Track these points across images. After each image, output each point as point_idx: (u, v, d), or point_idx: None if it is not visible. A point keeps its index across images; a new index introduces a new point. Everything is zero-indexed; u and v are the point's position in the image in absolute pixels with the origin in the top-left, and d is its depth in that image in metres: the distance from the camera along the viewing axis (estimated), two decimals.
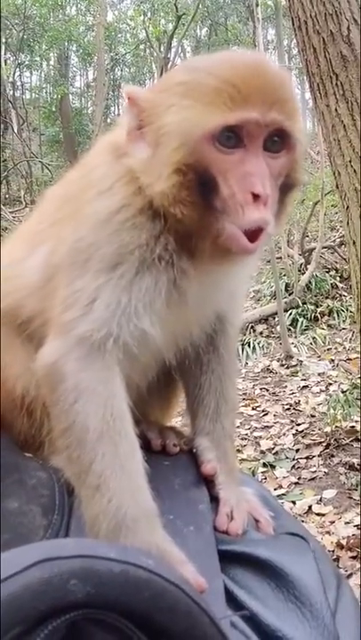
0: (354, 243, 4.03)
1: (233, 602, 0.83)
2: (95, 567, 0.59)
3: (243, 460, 5.20)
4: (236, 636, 0.67)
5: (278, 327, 8.05)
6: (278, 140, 0.93)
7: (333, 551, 3.77)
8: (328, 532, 4.05)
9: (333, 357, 7.41)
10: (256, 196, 0.89)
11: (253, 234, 0.91)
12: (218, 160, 0.89)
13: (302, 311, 8.60)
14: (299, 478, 4.88)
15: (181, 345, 1.11)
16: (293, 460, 5.20)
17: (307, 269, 9.27)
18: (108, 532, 0.85)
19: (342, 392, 5.96)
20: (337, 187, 4.18)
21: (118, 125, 1.04)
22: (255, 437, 5.67)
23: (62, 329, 0.96)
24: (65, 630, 0.59)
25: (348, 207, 3.99)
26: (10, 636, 0.56)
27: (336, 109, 3.92)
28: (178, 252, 0.96)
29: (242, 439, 5.64)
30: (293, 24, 4.12)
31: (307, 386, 6.75)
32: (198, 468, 1.08)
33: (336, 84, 3.89)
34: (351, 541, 3.83)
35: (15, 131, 16.26)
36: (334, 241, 10.10)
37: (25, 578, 0.56)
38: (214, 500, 1.02)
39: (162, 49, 15.51)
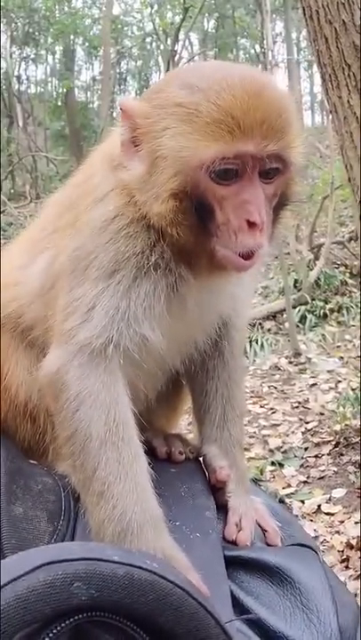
0: None
1: (239, 607, 0.85)
2: (99, 570, 0.60)
3: (251, 458, 5.17)
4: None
5: (287, 324, 8.02)
6: (275, 168, 0.93)
7: (343, 551, 3.75)
8: (338, 532, 4.03)
9: (343, 355, 7.39)
10: (252, 224, 0.90)
11: (248, 254, 0.93)
12: (214, 189, 0.90)
13: (311, 308, 8.58)
14: (308, 477, 4.85)
15: (186, 351, 1.11)
16: (302, 458, 5.17)
17: (315, 265, 9.24)
18: (113, 538, 0.86)
19: (352, 390, 5.92)
20: (349, 180, 4.12)
21: (113, 134, 1.04)
22: (263, 436, 5.65)
23: (63, 337, 0.97)
24: (69, 633, 0.60)
25: (360, 201, 3.92)
26: (16, 639, 0.57)
27: (348, 101, 3.84)
28: (175, 260, 0.97)
29: (250, 437, 5.61)
30: (305, 14, 4.03)
31: (316, 383, 6.72)
32: (205, 475, 1.09)
33: (349, 74, 3.81)
34: None
35: (20, 125, 16.26)
36: (344, 236, 10.09)
37: (30, 580, 0.57)
38: (221, 508, 1.03)
39: (169, 42, 15.41)
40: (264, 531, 1.02)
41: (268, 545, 1.00)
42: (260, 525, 1.02)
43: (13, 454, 1.00)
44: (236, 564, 0.91)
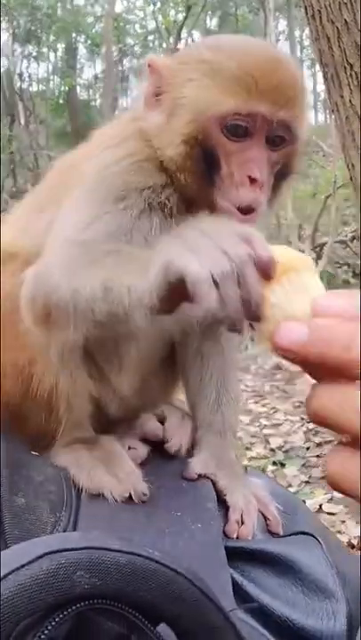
0: None
1: (242, 596, 0.85)
2: (101, 558, 0.60)
3: (252, 457, 5.16)
4: (243, 629, 0.67)
5: None
6: (282, 135, 0.99)
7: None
8: (339, 532, 4.01)
9: None
10: (253, 180, 0.96)
11: (247, 210, 0.96)
12: (223, 142, 0.96)
13: None
14: (309, 477, 4.83)
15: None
16: (304, 458, 5.15)
17: (318, 264, 9.22)
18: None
19: None
20: (351, 179, 4.13)
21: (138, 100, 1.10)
22: (265, 435, 5.62)
23: (55, 245, 0.98)
24: (72, 620, 0.60)
25: None
26: (19, 628, 0.57)
27: (350, 100, 3.85)
28: (180, 206, 1.01)
29: (251, 437, 5.59)
30: (307, 13, 4.04)
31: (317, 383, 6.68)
32: None
33: (351, 74, 3.82)
34: None
35: (22, 123, 16.26)
36: (346, 235, 10.07)
37: (32, 570, 0.58)
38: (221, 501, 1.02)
39: (171, 40, 15.38)
40: (266, 518, 1.02)
41: (270, 532, 1.00)
42: (261, 513, 1.02)
43: (14, 445, 1.00)
44: (238, 554, 0.91)
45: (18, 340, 1.01)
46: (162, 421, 1.15)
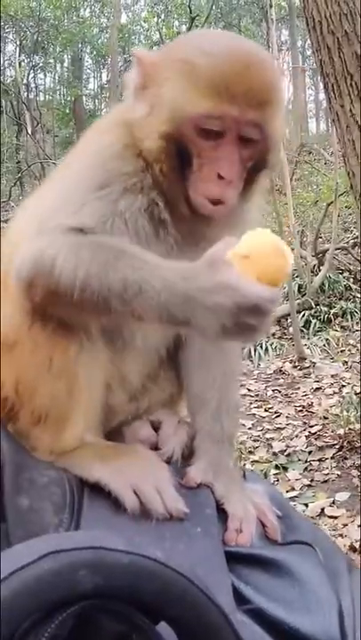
0: None
1: (240, 598, 0.85)
2: (104, 558, 0.60)
3: (255, 461, 5.17)
4: (242, 630, 0.68)
5: (291, 328, 8.00)
6: (254, 134, 1.04)
7: (346, 554, 3.72)
8: (341, 535, 4.01)
9: (347, 359, 7.35)
10: (221, 177, 1.02)
11: (216, 202, 1.04)
12: (196, 141, 1.02)
13: (315, 312, 8.57)
14: (311, 480, 4.84)
15: None
16: (306, 462, 5.16)
17: (320, 271, 9.22)
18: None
19: (356, 394, 5.91)
20: (351, 187, 4.16)
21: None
22: (267, 439, 5.63)
23: (46, 231, 1.02)
24: (74, 619, 0.60)
25: None
26: (23, 626, 0.57)
27: (351, 110, 3.89)
28: (158, 192, 1.08)
29: (254, 441, 5.60)
30: (308, 24, 4.09)
31: (320, 388, 6.69)
32: None
33: (351, 84, 3.86)
34: None
35: (29, 132, 16.32)
36: (348, 242, 10.05)
37: (36, 569, 0.58)
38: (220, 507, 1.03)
39: None
40: (264, 526, 1.02)
41: (268, 539, 1.01)
42: (259, 520, 1.02)
43: (17, 447, 1.00)
44: (236, 559, 0.92)
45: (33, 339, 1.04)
46: (157, 427, 1.16)
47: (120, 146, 1.09)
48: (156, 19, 18.68)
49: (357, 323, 8.23)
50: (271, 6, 9.81)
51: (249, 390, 6.84)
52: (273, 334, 8.42)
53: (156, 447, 1.11)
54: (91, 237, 1.00)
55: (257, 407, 6.42)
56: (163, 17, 19.20)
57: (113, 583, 0.60)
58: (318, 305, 8.68)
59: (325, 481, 4.80)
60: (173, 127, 1.02)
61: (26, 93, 19.47)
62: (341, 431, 5.36)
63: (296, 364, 7.47)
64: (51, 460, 1.03)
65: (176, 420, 1.18)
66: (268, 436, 5.72)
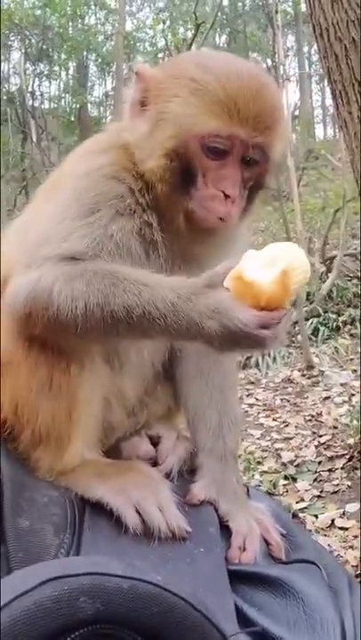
0: None
1: (243, 619, 0.85)
2: (104, 584, 0.61)
3: (264, 472, 5.13)
4: None
5: (299, 336, 7.97)
6: (257, 155, 1.06)
7: (357, 566, 3.69)
8: (351, 547, 3.97)
9: (356, 367, 7.30)
10: (226, 195, 1.04)
11: (222, 219, 1.05)
12: (202, 159, 1.03)
13: (324, 320, 8.54)
14: (321, 491, 4.78)
15: None
16: (315, 472, 5.11)
17: (328, 278, 9.20)
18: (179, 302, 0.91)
19: None
20: (359, 194, 4.14)
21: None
22: (276, 449, 5.59)
23: (38, 261, 1.00)
24: None
25: None
26: None
27: (358, 116, 3.87)
28: (154, 214, 1.08)
29: (263, 451, 5.56)
30: (315, 31, 4.08)
31: (329, 396, 6.65)
32: None
33: (359, 91, 3.84)
34: None
35: (34, 140, 16.43)
36: (356, 249, 10.03)
37: (37, 595, 0.58)
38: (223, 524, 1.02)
39: None
40: (268, 544, 1.02)
41: (272, 557, 1.00)
42: (263, 538, 1.02)
43: (17, 467, 1.00)
44: (240, 578, 0.91)
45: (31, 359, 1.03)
46: (155, 442, 1.16)
47: (115, 167, 1.08)
48: (161, 26, 18.77)
49: None
50: (277, 12, 9.82)
51: (257, 399, 6.82)
52: None
53: (154, 462, 1.12)
54: (83, 265, 0.98)
55: (265, 417, 6.38)
56: (168, 24, 19.27)
57: (113, 609, 0.60)
58: (327, 312, 8.66)
59: (335, 492, 4.75)
60: (180, 144, 1.02)
61: (31, 101, 19.65)
62: (351, 441, 5.30)
63: (305, 372, 7.45)
64: (51, 479, 1.03)
65: (175, 435, 1.18)
66: (276, 445, 5.68)
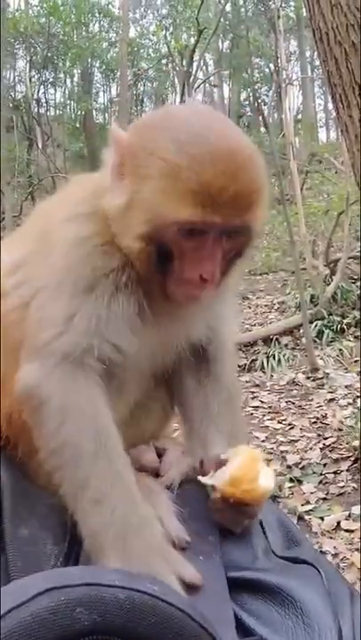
0: None
1: (242, 628, 0.84)
2: (101, 594, 0.61)
3: None
4: None
5: (304, 339, 7.96)
6: (237, 232, 1.01)
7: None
8: (357, 549, 3.95)
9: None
10: (204, 279, 0.99)
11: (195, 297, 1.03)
12: (178, 241, 0.98)
13: (328, 323, 8.52)
14: (327, 494, 4.78)
15: (162, 363, 1.17)
16: (321, 474, 5.10)
17: (332, 280, 9.19)
18: (115, 540, 0.88)
19: None
20: None
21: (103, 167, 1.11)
22: (281, 452, 5.58)
23: (39, 350, 1.00)
24: None
25: None
26: None
27: (359, 120, 3.87)
28: (140, 283, 1.05)
29: (268, 453, 5.54)
30: (315, 35, 4.09)
31: (334, 399, 6.63)
32: (206, 497, 1.07)
33: (359, 94, 3.84)
34: None
35: (40, 147, 16.53)
36: (360, 251, 10.00)
37: (33, 607, 0.58)
38: (222, 531, 1.03)
39: (184, 63, 15.61)
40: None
41: (273, 552, 1.00)
42: (263, 535, 1.04)
43: (17, 476, 1.00)
44: (238, 586, 0.91)
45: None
46: (160, 454, 1.17)
47: (106, 239, 1.04)
48: (164, 32, 18.85)
49: None
50: (279, 17, 9.88)
51: (262, 402, 6.81)
52: (285, 345, 8.39)
53: (156, 473, 1.13)
54: (82, 395, 0.98)
55: (270, 419, 6.37)
56: (171, 30, 19.36)
57: (110, 619, 0.60)
58: (331, 315, 8.63)
59: (341, 494, 4.73)
60: (154, 229, 0.97)
61: (36, 108, 19.79)
62: (357, 443, 5.28)
63: (309, 374, 7.43)
64: (51, 488, 1.01)
65: (180, 451, 1.19)
66: (281, 448, 5.67)
